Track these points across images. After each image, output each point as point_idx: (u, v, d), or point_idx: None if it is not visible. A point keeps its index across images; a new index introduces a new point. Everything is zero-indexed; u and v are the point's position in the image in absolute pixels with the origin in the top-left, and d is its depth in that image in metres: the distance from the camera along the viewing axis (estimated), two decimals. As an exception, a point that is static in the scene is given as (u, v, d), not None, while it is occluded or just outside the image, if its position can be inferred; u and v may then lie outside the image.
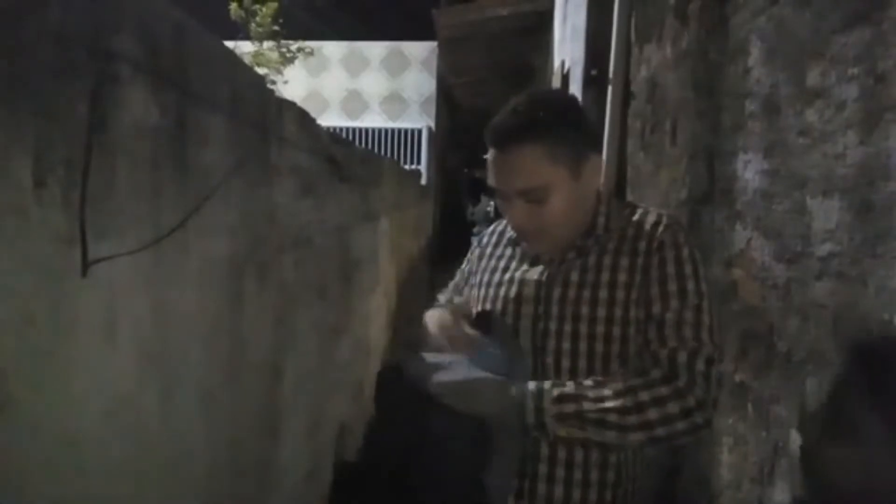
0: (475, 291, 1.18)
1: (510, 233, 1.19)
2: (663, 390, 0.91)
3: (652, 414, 0.90)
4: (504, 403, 0.93)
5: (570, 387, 0.94)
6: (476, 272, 1.22)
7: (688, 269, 0.97)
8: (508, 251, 1.18)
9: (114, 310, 0.89)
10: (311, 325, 1.97)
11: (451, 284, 1.32)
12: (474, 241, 1.31)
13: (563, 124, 1.00)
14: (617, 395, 0.92)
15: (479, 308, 1.14)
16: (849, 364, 0.93)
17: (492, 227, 1.28)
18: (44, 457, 0.77)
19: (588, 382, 0.95)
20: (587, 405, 0.92)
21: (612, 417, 0.91)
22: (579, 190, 1.02)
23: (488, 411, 0.93)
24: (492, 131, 1.01)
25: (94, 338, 0.85)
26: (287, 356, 1.73)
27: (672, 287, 0.96)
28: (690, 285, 0.97)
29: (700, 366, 0.92)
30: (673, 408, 0.90)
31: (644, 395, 0.91)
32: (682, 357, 0.93)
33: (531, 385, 0.95)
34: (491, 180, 1.03)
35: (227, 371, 1.31)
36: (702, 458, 1.50)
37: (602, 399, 0.92)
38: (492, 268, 1.18)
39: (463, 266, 1.31)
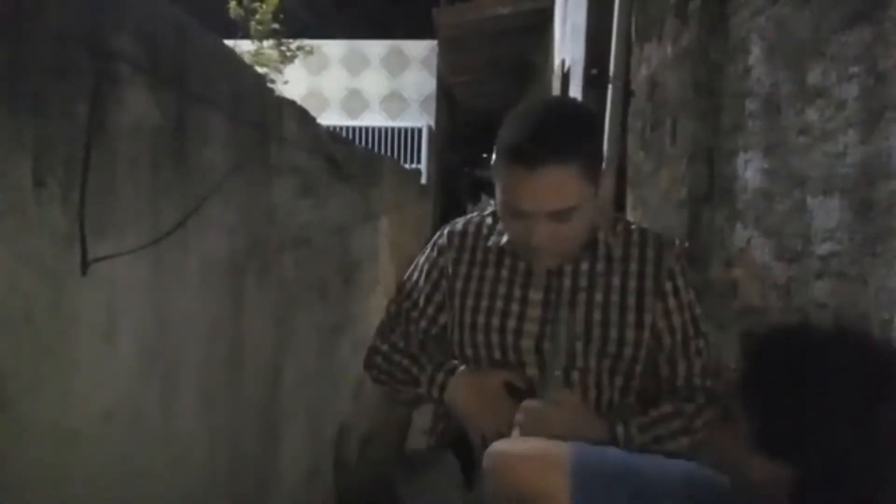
0: (464, 316, 1.09)
1: (492, 239, 1.10)
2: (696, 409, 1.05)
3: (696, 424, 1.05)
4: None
5: (646, 417, 1.03)
6: (454, 292, 1.11)
7: (693, 295, 1.08)
8: (493, 257, 1.09)
9: (114, 309, 0.89)
10: (311, 324, 1.97)
11: (419, 295, 1.15)
12: (442, 239, 1.15)
13: (590, 140, 0.99)
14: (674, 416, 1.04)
15: (470, 338, 1.08)
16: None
17: (461, 227, 1.15)
18: (44, 457, 0.77)
19: (654, 414, 1.04)
20: (661, 430, 1.02)
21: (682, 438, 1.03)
22: (596, 203, 1.00)
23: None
24: (519, 151, 0.91)
25: (94, 337, 0.85)
26: (287, 356, 1.73)
27: (688, 315, 1.06)
28: (698, 311, 1.08)
29: (709, 384, 1.08)
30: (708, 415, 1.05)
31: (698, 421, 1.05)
32: (699, 381, 1.07)
33: (619, 428, 1.00)
34: (513, 200, 0.95)
35: (227, 371, 1.31)
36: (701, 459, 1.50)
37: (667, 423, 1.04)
38: (475, 291, 1.09)
39: (423, 265, 1.16)
